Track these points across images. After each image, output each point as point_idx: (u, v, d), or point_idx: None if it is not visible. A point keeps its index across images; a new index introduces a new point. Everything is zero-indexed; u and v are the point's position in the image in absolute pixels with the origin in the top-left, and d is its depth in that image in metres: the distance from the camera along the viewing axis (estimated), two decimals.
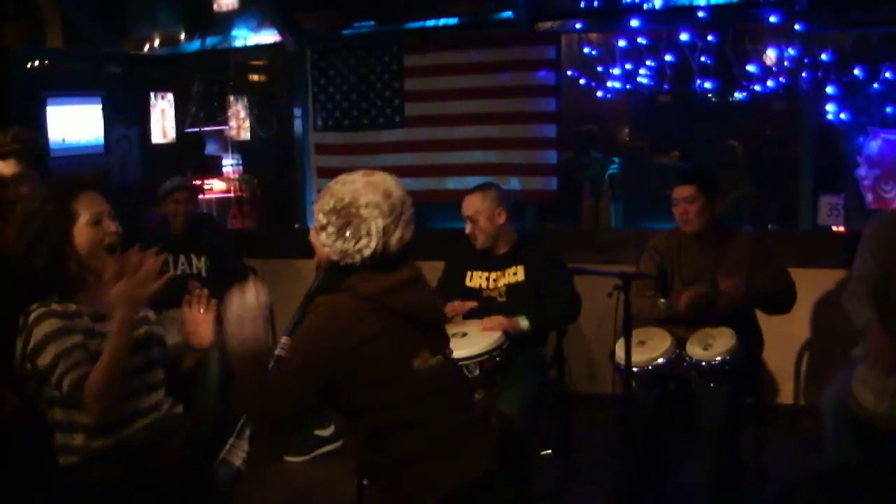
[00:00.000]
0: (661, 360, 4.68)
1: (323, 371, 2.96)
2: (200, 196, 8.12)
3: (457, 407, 3.16)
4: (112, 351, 3.19)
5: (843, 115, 6.48)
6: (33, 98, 7.12)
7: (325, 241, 3.03)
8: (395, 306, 3.04)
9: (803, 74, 6.53)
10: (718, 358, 4.59)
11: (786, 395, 6.34)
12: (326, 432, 5.85)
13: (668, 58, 6.79)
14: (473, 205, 5.22)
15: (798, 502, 3.58)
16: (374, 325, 3.00)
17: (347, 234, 3.00)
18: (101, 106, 8.02)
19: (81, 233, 3.35)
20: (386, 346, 3.00)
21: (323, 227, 3.03)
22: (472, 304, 5.07)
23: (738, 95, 6.70)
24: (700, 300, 4.78)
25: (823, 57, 6.44)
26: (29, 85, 7.37)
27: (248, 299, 2.91)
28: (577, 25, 7.15)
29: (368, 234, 2.99)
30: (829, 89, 6.45)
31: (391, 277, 3.06)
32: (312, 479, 5.59)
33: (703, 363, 4.61)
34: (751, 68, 6.61)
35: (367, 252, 3.01)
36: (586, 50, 7.14)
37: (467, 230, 5.25)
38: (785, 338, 5.83)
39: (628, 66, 6.95)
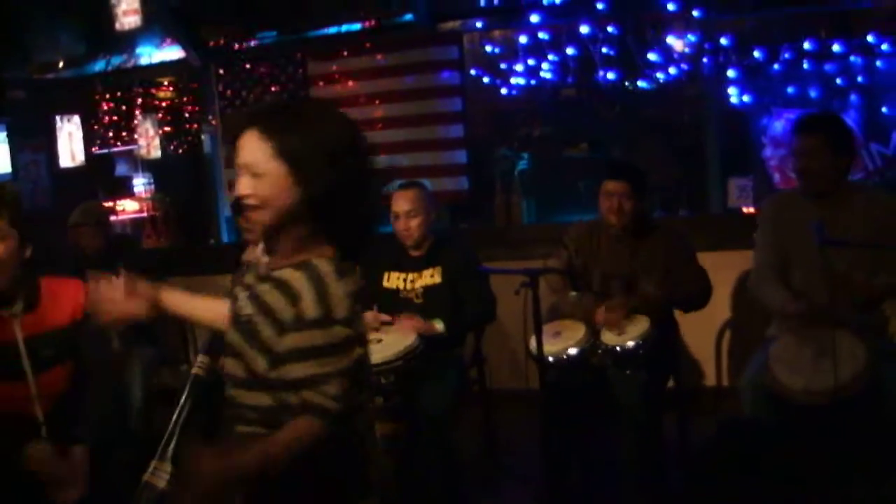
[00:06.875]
0: (573, 350, 4.69)
1: None
2: (113, 217, 8.01)
3: None
4: None
5: (745, 98, 6.58)
6: None
7: None
8: None
9: (704, 60, 6.61)
10: (631, 343, 4.62)
11: (708, 377, 6.40)
12: None
13: (570, 51, 6.82)
14: (410, 200, 5.07)
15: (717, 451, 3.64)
16: None
17: None
18: (5, 133, 7.92)
19: None
20: None
21: None
22: (386, 318, 4.98)
23: (641, 84, 6.74)
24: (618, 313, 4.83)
25: (723, 41, 6.52)
26: None
27: None
28: (478, 24, 7.19)
29: None
30: (731, 73, 6.56)
31: None
32: None
33: (618, 348, 4.64)
34: (652, 57, 6.67)
35: None
36: (489, 48, 7.14)
37: (400, 227, 5.09)
38: (704, 321, 5.85)
39: (531, 62, 6.97)
